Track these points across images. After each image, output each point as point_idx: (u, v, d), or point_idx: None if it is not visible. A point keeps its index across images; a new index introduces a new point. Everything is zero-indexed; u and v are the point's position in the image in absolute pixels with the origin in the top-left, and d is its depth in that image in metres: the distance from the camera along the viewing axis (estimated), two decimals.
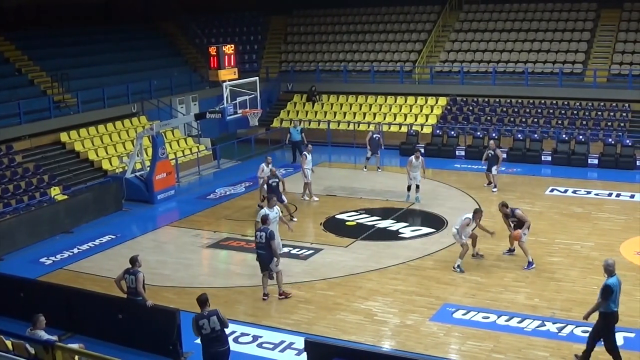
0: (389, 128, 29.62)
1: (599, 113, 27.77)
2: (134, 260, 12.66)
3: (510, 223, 15.98)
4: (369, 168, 25.39)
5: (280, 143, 29.68)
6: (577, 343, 12.05)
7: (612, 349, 11.26)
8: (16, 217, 19.05)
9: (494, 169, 22.02)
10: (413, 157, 20.80)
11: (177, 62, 33.84)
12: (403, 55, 33.23)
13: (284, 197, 19.40)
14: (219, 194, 23.07)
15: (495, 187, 22.04)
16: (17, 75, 26.79)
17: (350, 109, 31.67)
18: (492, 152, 22.09)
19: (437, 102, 30.52)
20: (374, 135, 25.30)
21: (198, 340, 12.58)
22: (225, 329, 10.75)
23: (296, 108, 32.66)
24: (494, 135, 26.88)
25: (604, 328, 11.21)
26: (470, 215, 15.77)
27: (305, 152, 21.86)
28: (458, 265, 15.68)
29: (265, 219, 14.38)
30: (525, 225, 15.65)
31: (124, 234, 19.26)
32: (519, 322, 13.00)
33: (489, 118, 28.78)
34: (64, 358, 9.48)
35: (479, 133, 27.40)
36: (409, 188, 21.09)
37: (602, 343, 11.25)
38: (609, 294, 11.01)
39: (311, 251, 17.24)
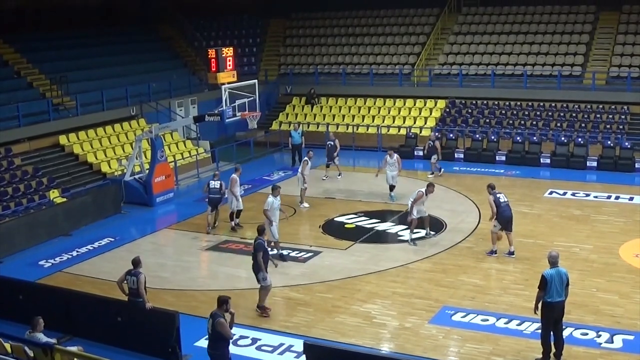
0: (388, 131, 29.64)
1: (598, 115, 27.79)
2: (136, 262, 12.64)
3: None
4: (329, 175, 24.60)
5: (279, 146, 29.69)
6: (576, 345, 12.06)
7: (544, 340, 11.50)
8: (15, 220, 19.03)
9: (433, 157, 24.45)
10: (387, 155, 21.46)
11: (176, 64, 33.84)
12: (402, 58, 33.25)
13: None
14: None
15: (435, 170, 24.43)
16: (16, 78, 26.76)
17: (349, 111, 31.69)
18: (432, 143, 24.67)
19: (436, 105, 30.54)
20: (328, 142, 24.75)
21: (197, 343, 12.67)
22: (218, 337, 10.54)
23: (295, 111, 32.68)
24: (493, 137, 26.94)
25: (541, 318, 11.47)
26: (423, 190, 17.48)
27: (306, 158, 21.71)
28: (412, 239, 17.57)
29: (261, 231, 14.20)
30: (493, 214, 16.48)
31: (122, 237, 19.24)
32: (518, 324, 12.99)
33: (487, 120, 28.81)
34: None
35: (477, 135, 27.41)
36: (391, 188, 21.56)
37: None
38: (543, 283, 11.27)
39: (310, 254, 17.23)
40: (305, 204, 21.21)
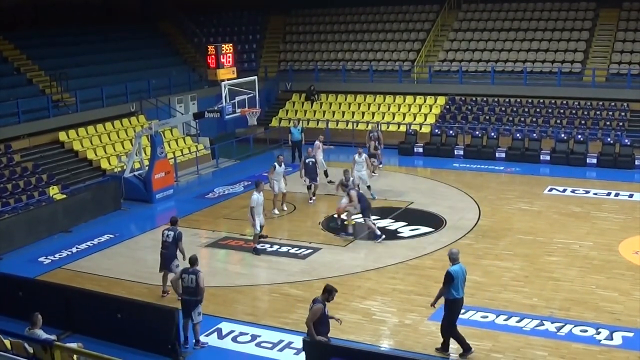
0: (388, 127, 29.62)
1: (598, 112, 27.78)
2: (194, 260, 12.65)
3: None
4: (314, 198, 21.68)
5: (278, 142, 29.68)
6: (576, 342, 12.08)
7: (447, 332, 11.84)
8: (15, 217, 19.04)
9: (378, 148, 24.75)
10: (356, 154, 21.50)
11: (175, 61, 33.83)
12: (402, 55, 33.24)
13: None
14: (217, 193, 23.06)
15: (380, 163, 24.89)
16: (15, 75, 26.78)
17: (349, 108, 31.67)
18: (377, 134, 25.06)
19: (435, 102, 30.52)
20: (307, 160, 21.56)
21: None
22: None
23: (295, 107, 32.66)
24: (492, 134, 26.93)
25: (446, 313, 11.74)
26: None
27: (275, 163, 20.56)
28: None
29: (174, 222, 14.72)
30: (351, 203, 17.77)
31: (122, 233, 19.25)
32: (518, 321, 13.00)
33: (487, 117, 28.79)
34: (62, 357, 9.48)
35: (477, 132, 27.40)
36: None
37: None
38: (449, 280, 11.52)
39: (310, 250, 17.23)
40: (276, 211, 20.15)
